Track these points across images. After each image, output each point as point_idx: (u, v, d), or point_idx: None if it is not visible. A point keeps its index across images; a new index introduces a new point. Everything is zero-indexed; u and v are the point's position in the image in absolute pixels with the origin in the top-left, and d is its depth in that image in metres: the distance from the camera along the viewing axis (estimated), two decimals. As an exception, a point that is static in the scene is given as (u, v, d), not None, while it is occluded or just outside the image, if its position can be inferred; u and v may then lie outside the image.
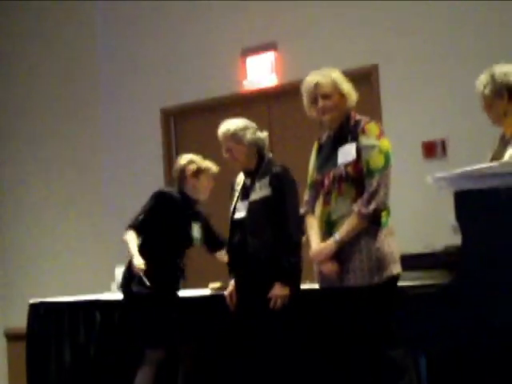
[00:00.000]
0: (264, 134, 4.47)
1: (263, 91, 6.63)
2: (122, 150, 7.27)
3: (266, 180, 4.28)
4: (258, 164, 4.38)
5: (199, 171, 4.77)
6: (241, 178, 4.48)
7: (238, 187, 4.45)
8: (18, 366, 6.00)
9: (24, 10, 7.69)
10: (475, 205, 3.08)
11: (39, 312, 5.48)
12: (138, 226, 4.72)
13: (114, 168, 7.27)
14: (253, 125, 4.48)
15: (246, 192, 4.37)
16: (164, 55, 7.11)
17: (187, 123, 7.05)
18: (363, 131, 3.78)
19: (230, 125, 4.44)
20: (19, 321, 5.94)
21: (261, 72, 6.60)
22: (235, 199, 4.43)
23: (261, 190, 4.28)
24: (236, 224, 4.35)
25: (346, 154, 3.79)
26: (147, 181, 6.72)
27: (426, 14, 5.86)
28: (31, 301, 5.57)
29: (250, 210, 4.28)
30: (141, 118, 7.19)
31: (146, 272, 4.53)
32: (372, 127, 3.80)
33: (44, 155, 7.60)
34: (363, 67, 5.97)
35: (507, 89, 3.63)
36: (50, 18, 7.58)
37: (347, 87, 3.89)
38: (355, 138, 3.79)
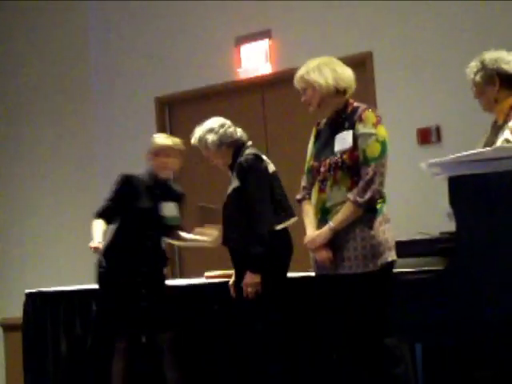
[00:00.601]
0: (231, 129, 4.45)
1: (258, 79, 6.61)
2: (116, 139, 7.26)
3: (235, 172, 4.31)
4: (234, 157, 4.40)
5: (157, 150, 4.78)
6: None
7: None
8: (15, 356, 5.98)
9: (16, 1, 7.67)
10: (469, 190, 3.08)
11: (35, 302, 5.46)
12: (102, 213, 4.75)
13: (109, 157, 7.26)
14: (219, 122, 4.48)
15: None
16: (158, 44, 7.09)
17: (182, 112, 7.04)
18: (360, 119, 3.74)
19: (197, 133, 4.51)
20: (15, 311, 5.93)
21: (255, 60, 6.59)
22: None
23: (233, 183, 4.31)
24: (224, 218, 4.41)
25: (343, 141, 3.75)
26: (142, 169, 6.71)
27: (420, 1, 5.85)
28: (27, 291, 5.56)
29: (225, 204, 4.34)
30: (135, 107, 7.18)
31: (99, 251, 4.62)
32: (369, 115, 3.75)
33: (38, 144, 7.58)
34: (357, 54, 5.96)
35: (498, 75, 3.62)
36: (42, 6, 7.55)
37: (316, 77, 3.80)
38: (352, 126, 3.75)
